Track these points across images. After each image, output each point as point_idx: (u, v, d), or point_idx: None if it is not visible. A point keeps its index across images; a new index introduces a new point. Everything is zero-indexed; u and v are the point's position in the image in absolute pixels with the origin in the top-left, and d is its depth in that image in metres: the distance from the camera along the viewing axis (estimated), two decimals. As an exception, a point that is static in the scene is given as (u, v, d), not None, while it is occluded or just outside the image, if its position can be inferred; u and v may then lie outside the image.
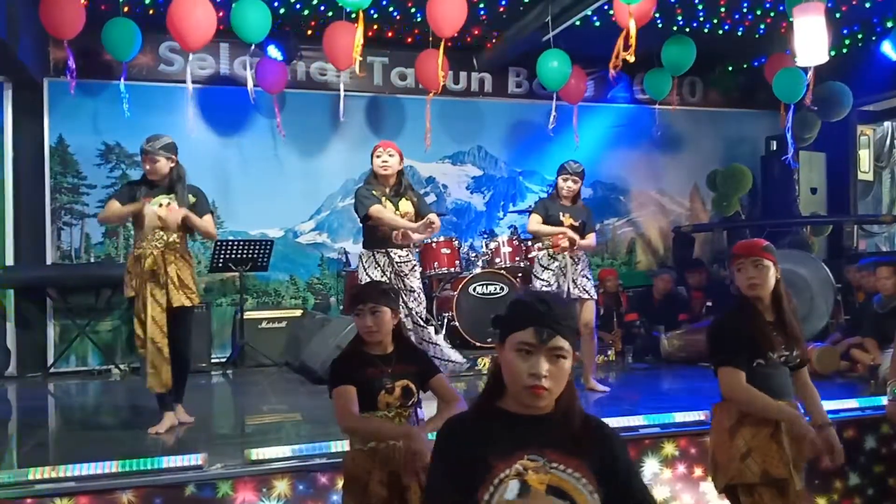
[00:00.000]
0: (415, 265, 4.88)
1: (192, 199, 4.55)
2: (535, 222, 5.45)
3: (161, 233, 4.41)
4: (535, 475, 1.65)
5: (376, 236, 4.79)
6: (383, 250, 4.75)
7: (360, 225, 5.02)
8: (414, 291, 4.82)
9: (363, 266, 4.80)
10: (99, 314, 7.37)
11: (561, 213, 5.49)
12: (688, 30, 7.85)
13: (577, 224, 5.46)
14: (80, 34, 6.25)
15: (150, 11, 6.99)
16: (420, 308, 4.86)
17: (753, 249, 2.93)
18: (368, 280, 4.67)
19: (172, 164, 4.53)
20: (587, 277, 5.52)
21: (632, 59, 5.95)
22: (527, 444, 1.69)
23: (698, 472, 4.12)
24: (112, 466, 3.44)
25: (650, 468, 4.07)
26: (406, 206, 4.82)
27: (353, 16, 6.83)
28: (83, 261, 7.42)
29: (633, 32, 5.80)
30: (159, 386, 4.37)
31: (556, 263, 5.48)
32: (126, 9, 6.84)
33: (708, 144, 9.38)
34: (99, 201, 7.41)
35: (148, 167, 4.46)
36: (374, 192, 4.77)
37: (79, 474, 3.40)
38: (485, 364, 6.56)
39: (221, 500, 3.41)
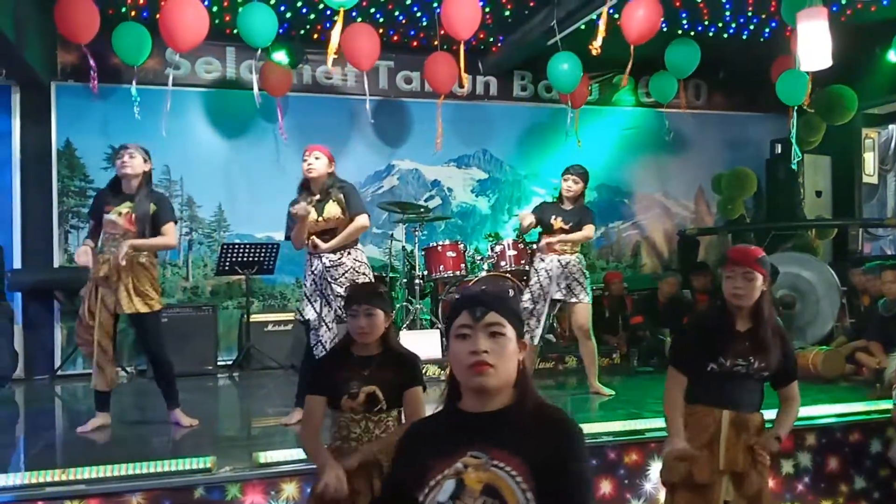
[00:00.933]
0: (350, 267, 4.57)
1: (153, 207, 4.56)
2: (524, 217, 5.56)
3: (118, 240, 4.46)
4: (473, 473, 1.65)
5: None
6: (316, 255, 4.61)
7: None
8: (341, 297, 4.43)
9: (304, 269, 4.75)
10: (106, 317, 7.40)
11: (553, 217, 5.53)
12: (692, 33, 7.86)
13: (566, 227, 5.48)
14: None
15: (157, 16, 7.01)
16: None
17: (747, 260, 2.92)
18: (305, 282, 4.67)
19: (147, 169, 4.59)
20: (578, 281, 5.50)
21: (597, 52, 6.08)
22: (472, 441, 1.69)
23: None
24: (121, 469, 3.47)
25: (656, 472, 4.07)
26: (331, 208, 4.58)
27: (360, 20, 6.91)
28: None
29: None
30: (104, 384, 4.59)
31: (543, 265, 5.55)
32: (133, 13, 6.89)
33: (713, 147, 9.39)
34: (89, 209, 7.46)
35: (123, 160, 4.51)
36: (300, 202, 4.54)
37: (88, 477, 3.43)
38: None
39: (230, 502, 3.44)
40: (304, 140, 7.90)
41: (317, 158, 4.63)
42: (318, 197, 4.59)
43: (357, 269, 4.61)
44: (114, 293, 4.46)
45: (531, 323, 5.46)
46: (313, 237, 4.55)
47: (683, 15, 7.62)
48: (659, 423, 4.30)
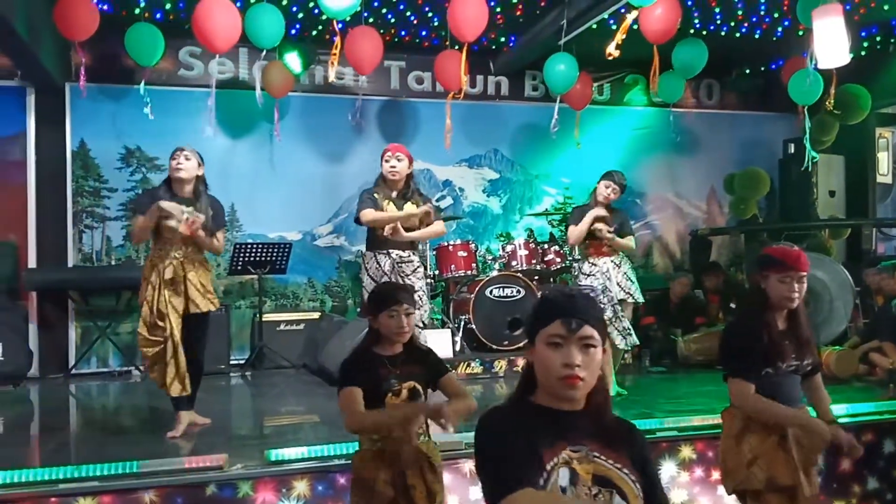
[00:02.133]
0: (417, 266, 4.81)
1: (210, 211, 4.56)
2: (572, 230, 5.52)
3: (177, 245, 4.43)
4: (580, 465, 1.69)
5: (377, 237, 4.78)
6: (385, 251, 4.71)
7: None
8: (416, 292, 4.68)
9: (365, 267, 4.78)
10: (120, 316, 7.47)
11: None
12: (704, 33, 7.84)
13: (611, 229, 5.49)
14: (102, 39, 6.33)
15: (171, 17, 7.07)
16: (420, 311, 4.68)
17: (803, 265, 2.85)
18: (371, 281, 4.68)
19: (200, 173, 4.57)
20: (632, 280, 5.53)
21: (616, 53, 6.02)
22: (566, 435, 1.72)
23: (716, 475, 4.12)
24: (134, 466, 3.51)
25: (667, 471, 4.09)
26: (410, 209, 4.76)
27: (371, 20, 6.94)
28: (104, 263, 7.51)
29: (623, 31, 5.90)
30: (182, 390, 4.42)
31: (598, 268, 5.50)
32: (146, 14, 6.94)
33: (725, 147, 9.35)
34: (120, 205, 7.51)
35: (180, 161, 4.44)
36: (375, 195, 4.74)
37: (101, 474, 3.46)
38: (501, 367, 6.58)
39: (242, 499, 3.46)
40: (315, 140, 8.00)
41: (399, 160, 4.75)
42: (394, 194, 4.79)
43: (420, 270, 4.83)
44: (182, 294, 4.40)
45: (620, 326, 5.42)
46: (397, 223, 4.67)
47: (695, 14, 7.60)
48: (669, 422, 4.34)
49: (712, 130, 9.22)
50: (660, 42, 6.44)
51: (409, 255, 4.76)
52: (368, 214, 4.69)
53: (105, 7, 6.69)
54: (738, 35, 8.12)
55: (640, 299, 5.58)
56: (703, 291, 8.03)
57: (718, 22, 7.86)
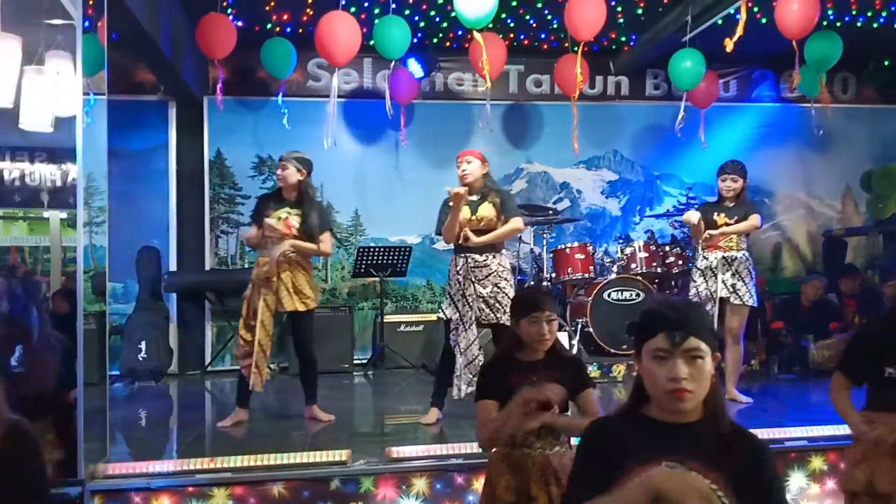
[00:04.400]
0: (494, 271, 4.65)
1: (314, 215, 4.82)
2: (690, 216, 5.38)
3: (277, 243, 4.71)
4: None
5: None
6: (462, 255, 4.69)
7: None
8: (482, 298, 4.61)
9: (448, 269, 4.81)
10: (251, 316, 7.83)
11: (715, 214, 5.36)
12: (839, 24, 7.46)
13: (731, 222, 5.29)
14: (236, 54, 6.66)
15: (300, 31, 7.38)
16: (490, 314, 4.63)
17: None
18: (448, 285, 4.73)
19: (301, 178, 4.82)
20: (744, 281, 5.27)
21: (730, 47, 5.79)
22: (667, 451, 1.68)
23: (848, 488, 3.94)
24: (264, 459, 3.70)
25: (796, 482, 3.95)
26: (486, 209, 4.67)
27: (490, 25, 6.98)
28: (238, 266, 7.90)
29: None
30: (261, 385, 4.81)
31: (706, 263, 5.34)
32: (277, 29, 7.29)
33: (862, 143, 8.84)
34: (253, 211, 7.88)
35: (279, 173, 4.84)
36: (451, 203, 4.62)
37: (234, 465, 3.67)
38: (620, 371, 6.49)
39: (364, 495, 3.59)
40: (436, 146, 8.14)
41: (469, 163, 4.75)
42: (474, 197, 4.71)
43: (500, 273, 4.67)
44: (274, 293, 4.71)
45: None
46: (466, 229, 4.62)
47: (829, 5, 7.23)
48: (799, 432, 4.16)
49: (848, 125, 8.72)
50: (797, 37, 6.16)
51: (486, 260, 4.64)
52: (443, 231, 4.72)
53: (240, 23, 7.06)
54: (875, 25, 7.67)
55: (752, 303, 5.29)
56: (837, 295, 7.63)
57: (854, 13, 7.45)
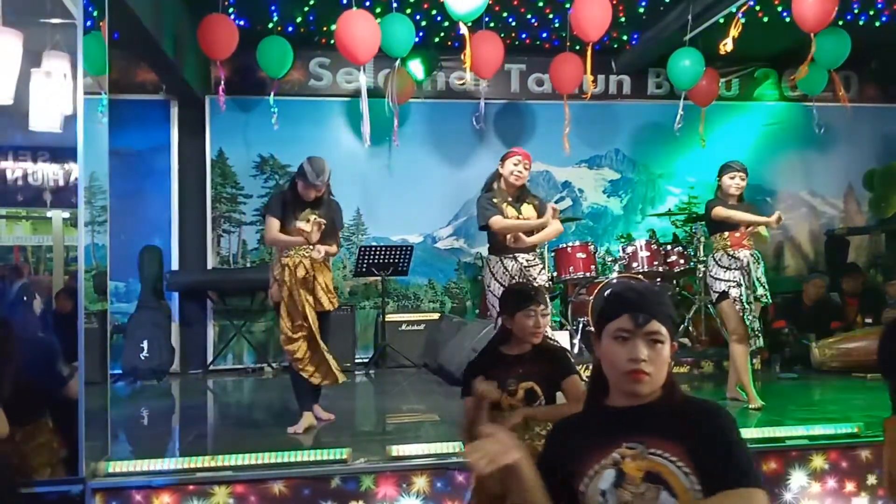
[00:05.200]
0: (542, 268, 4.81)
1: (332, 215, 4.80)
2: (724, 211, 5.22)
3: (307, 245, 4.67)
4: (632, 462, 1.66)
5: (501, 242, 4.75)
6: (511, 255, 4.70)
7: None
8: (548, 293, 4.76)
9: (491, 271, 4.75)
10: (254, 315, 7.85)
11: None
12: (841, 22, 7.44)
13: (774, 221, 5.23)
14: (237, 53, 6.67)
15: (302, 30, 7.39)
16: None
17: None
18: (499, 286, 4.67)
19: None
20: (760, 279, 5.19)
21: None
22: (626, 433, 1.70)
23: (850, 486, 3.94)
24: (265, 457, 3.70)
25: (797, 481, 3.92)
26: (528, 210, 4.76)
27: (492, 25, 7.00)
28: (240, 266, 7.92)
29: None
30: (333, 379, 4.65)
31: (738, 263, 5.18)
32: (279, 28, 7.29)
33: (864, 142, 8.84)
34: (255, 210, 7.89)
35: (312, 194, 4.70)
36: (494, 199, 4.72)
37: (235, 464, 3.67)
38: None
39: (364, 493, 3.59)
40: (437, 144, 8.15)
41: (526, 168, 4.79)
42: (510, 198, 4.78)
43: (543, 270, 4.83)
44: (311, 292, 4.66)
45: (755, 326, 5.13)
46: (518, 232, 4.67)
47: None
48: (800, 431, 4.15)
49: (850, 124, 8.70)
50: (814, 31, 6.12)
51: (534, 259, 4.76)
52: (499, 222, 4.67)
53: (242, 22, 7.06)
54: (877, 24, 7.66)
55: (770, 301, 5.29)
56: (839, 294, 7.63)
57: (856, 11, 7.44)
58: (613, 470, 1.67)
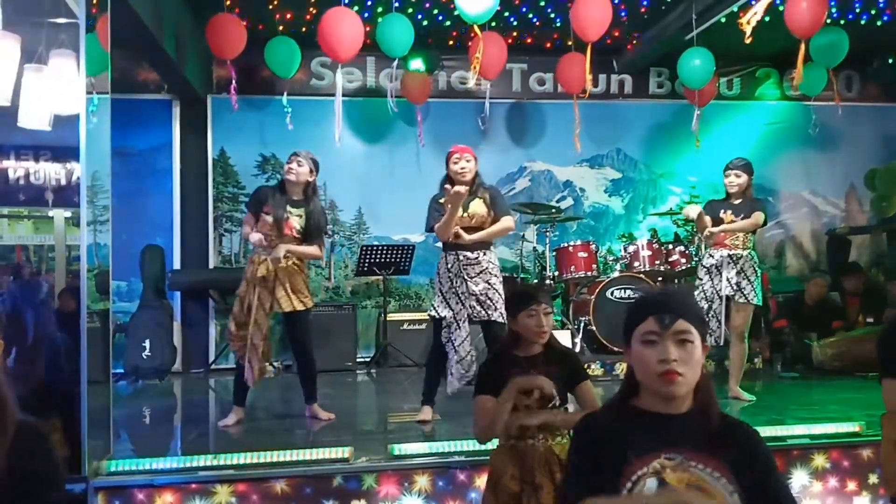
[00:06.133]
0: (485, 268, 4.66)
1: (316, 218, 4.79)
2: (690, 210, 5.38)
3: (274, 242, 4.66)
4: (673, 474, 1.65)
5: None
6: (453, 252, 4.66)
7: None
8: (475, 295, 4.61)
9: (438, 267, 4.76)
10: (255, 314, 7.84)
11: (721, 211, 5.37)
12: (842, 22, 7.45)
13: (737, 219, 5.29)
14: (241, 53, 6.68)
15: (303, 29, 7.39)
16: (482, 311, 4.63)
17: None
18: (438, 282, 4.71)
19: (311, 178, 4.79)
20: (749, 279, 5.26)
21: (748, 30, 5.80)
22: (664, 442, 1.69)
23: (851, 485, 3.95)
24: (267, 456, 3.71)
25: (798, 480, 3.94)
26: (477, 206, 4.67)
27: (493, 24, 7.00)
28: (241, 265, 7.89)
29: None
30: (253, 381, 4.71)
31: (712, 261, 5.35)
32: (281, 28, 7.29)
33: (866, 141, 8.84)
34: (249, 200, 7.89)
35: (292, 166, 4.71)
36: (441, 200, 4.64)
37: (237, 463, 3.68)
38: (622, 369, 6.48)
39: (366, 492, 3.59)
40: (439, 144, 8.13)
41: (468, 161, 4.73)
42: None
43: (491, 270, 4.70)
44: (271, 293, 4.64)
45: (712, 324, 5.28)
46: (458, 228, 4.59)
47: (833, 3, 7.22)
48: (801, 430, 4.16)
49: (852, 124, 8.72)
50: (806, 36, 6.16)
51: (477, 257, 4.65)
52: (437, 229, 4.63)
53: (243, 23, 7.06)
54: (879, 23, 7.65)
55: (756, 301, 5.27)
56: (840, 293, 7.63)
57: (857, 10, 7.44)
58: (655, 479, 1.66)
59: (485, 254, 4.71)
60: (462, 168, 4.71)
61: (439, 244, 8.02)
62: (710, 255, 5.40)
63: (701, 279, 5.43)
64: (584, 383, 2.79)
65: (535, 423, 2.63)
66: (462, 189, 4.47)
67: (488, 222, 4.69)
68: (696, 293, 5.42)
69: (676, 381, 1.69)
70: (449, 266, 4.68)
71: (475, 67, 6.48)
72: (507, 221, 4.71)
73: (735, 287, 5.26)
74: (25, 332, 3.78)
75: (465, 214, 4.64)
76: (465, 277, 4.62)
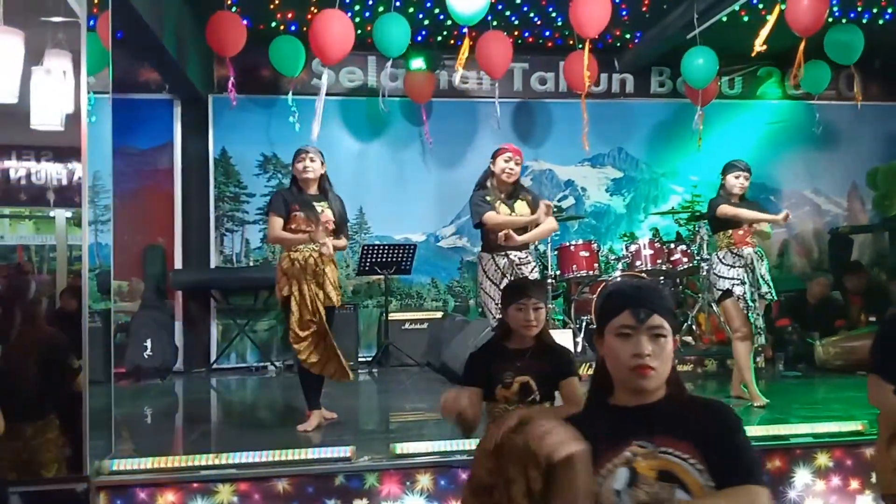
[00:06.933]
0: (534, 266, 4.76)
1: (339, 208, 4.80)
2: (730, 209, 5.16)
3: (313, 237, 4.65)
4: (644, 462, 1.66)
5: (494, 240, 4.69)
6: (503, 253, 4.66)
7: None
8: None
9: (483, 269, 4.74)
10: (257, 314, 7.84)
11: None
12: (844, 21, 7.44)
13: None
14: (241, 52, 6.67)
15: (304, 28, 7.38)
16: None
17: None
18: (491, 284, 4.67)
19: (323, 171, 4.80)
20: (763, 276, 5.16)
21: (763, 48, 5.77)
22: (635, 432, 1.70)
23: (854, 484, 3.93)
24: (269, 455, 3.71)
25: (801, 479, 3.92)
26: (522, 207, 4.71)
27: (495, 24, 7.00)
28: (243, 264, 7.92)
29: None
30: (342, 375, 4.64)
31: (742, 260, 5.15)
32: (282, 27, 7.29)
33: (868, 140, 8.82)
34: (258, 209, 7.89)
35: (306, 164, 4.68)
36: (487, 197, 4.68)
37: (239, 462, 3.68)
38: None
39: (368, 491, 3.59)
40: (441, 143, 8.13)
41: (517, 164, 4.75)
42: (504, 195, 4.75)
43: (536, 268, 4.80)
44: (321, 286, 4.61)
45: (758, 324, 5.09)
46: (508, 230, 4.59)
47: (835, 1, 7.21)
48: (804, 429, 4.15)
49: (854, 123, 8.70)
50: (808, 34, 6.15)
51: (527, 257, 4.73)
52: (492, 218, 4.63)
53: (244, 22, 7.06)
54: (881, 22, 7.64)
55: (775, 297, 5.26)
56: (842, 292, 7.61)
57: (860, 9, 7.43)
58: (626, 469, 1.67)
59: (530, 254, 4.81)
60: (511, 169, 4.72)
61: (441, 244, 8.15)
62: (737, 255, 5.16)
63: (734, 279, 5.12)
64: (570, 380, 2.80)
65: (513, 423, 2.63)
66: (513, 236, 4.54)
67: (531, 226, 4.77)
68: (736, 294, 5.12)
69: (649, 375, 1.70)
70: (500, 267, 4.67)
71: (458, 67, 6.50)
72: (551, 222, 4.78)
73: (769, 285, 5.17)
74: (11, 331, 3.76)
75: (514, 215, 4.70)
76: (520, 276, 4.62)
